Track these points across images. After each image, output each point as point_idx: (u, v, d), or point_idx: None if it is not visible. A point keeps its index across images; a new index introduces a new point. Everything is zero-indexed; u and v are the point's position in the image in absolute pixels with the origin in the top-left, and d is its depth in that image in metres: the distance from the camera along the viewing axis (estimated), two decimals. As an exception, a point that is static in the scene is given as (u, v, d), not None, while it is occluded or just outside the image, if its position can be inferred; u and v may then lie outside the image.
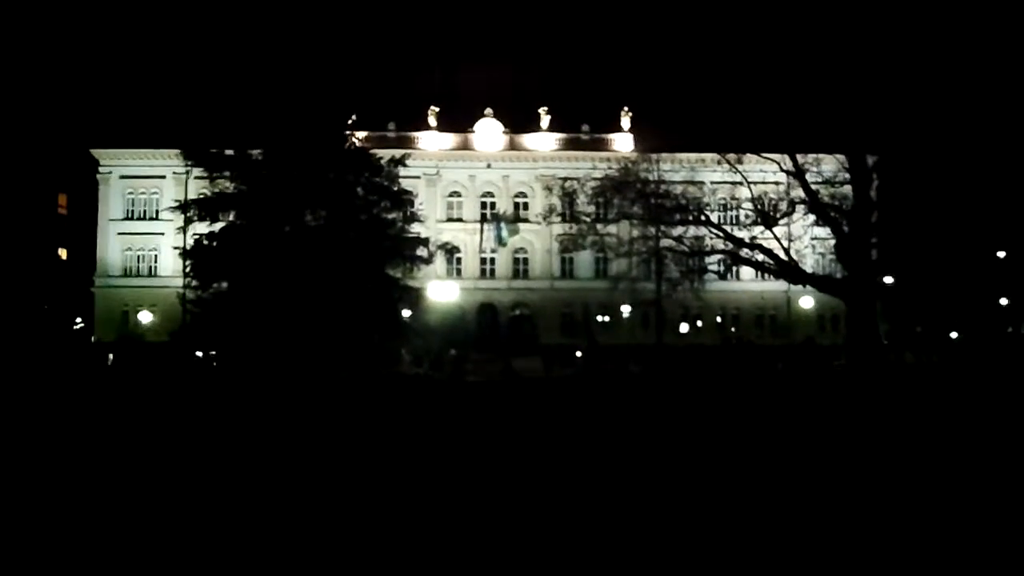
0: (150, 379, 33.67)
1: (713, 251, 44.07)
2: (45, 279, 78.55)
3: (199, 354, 43.69)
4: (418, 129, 77.01)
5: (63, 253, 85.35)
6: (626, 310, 69.02)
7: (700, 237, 44.06)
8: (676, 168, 51.88)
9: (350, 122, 43.59)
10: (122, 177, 77.83)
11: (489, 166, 77.47)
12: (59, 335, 69.69)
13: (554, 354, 47.43)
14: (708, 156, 50.72)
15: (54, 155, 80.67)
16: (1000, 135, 41.38)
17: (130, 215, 78.08)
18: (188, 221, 40.52)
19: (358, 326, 35.02)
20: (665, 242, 44.29)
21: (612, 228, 47.44)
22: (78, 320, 78.73)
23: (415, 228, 43.29)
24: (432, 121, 77.27)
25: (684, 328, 68.78)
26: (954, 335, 63.12)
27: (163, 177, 74.91)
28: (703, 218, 43.73)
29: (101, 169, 78.10)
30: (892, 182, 43.85)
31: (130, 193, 77.96)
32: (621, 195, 44.71)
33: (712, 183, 50.66)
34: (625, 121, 77.53)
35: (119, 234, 77.85)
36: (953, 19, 38.21)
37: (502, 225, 74.01)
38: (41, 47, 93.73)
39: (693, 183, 47.80)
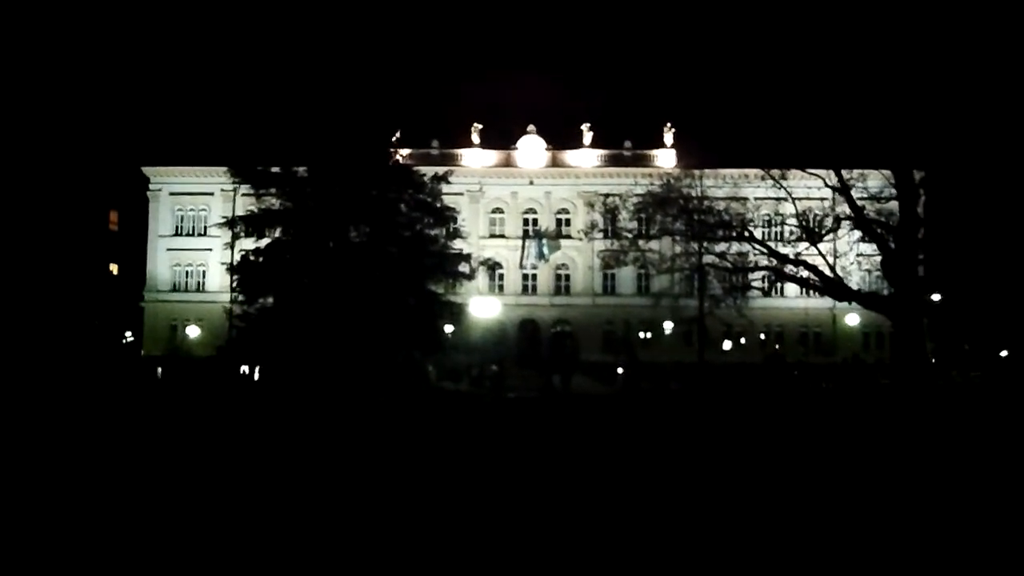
0: (196, 393, 34.11)
1: (757, 267, 43.73)
2: (96, 294, 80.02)
3: (244, 369, 44.22)
4: (461, 146, 77.45)
5: (114, 268, 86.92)
6: (668, 327, 68.69)
7: (743, 253, 43.72)
8: (719, 184, 51.50)
9: (394, 139, 44.08)
10: (171, 194, 79.09)
11: (531, 182, 77.64)
12: (109, 349, 70.88)
13: (569, 369, 47.07)
14: (752, 172, 50.51)
15: (106, 172, 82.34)
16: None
17: (179, 231, 79.28)
18: (235, 237, 41.10)
19: (400, 342, 35.29)
20: (708, 258, 44.00)
21: (654, 244, 47.31)
22: (128, 334, 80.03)
23: (457, 244, 43.58)
24: (475, 138, 77.68)
25: (727, 345, 68.26)
26: (1004, 353, 61.99)
27: (211, 194, 76.01)
28: (746, 234, 43.41)
29: (151, 186, 79.47)
30: (939, 198, 43.28)
31: (179, 210, 79.19)
32: (663, 211, 44.55)
33: (756, 199, 50.37)
34: (668, 137, 77.36)
35: (168, 250, 79.06)
36: (1000, 32, 37.74)
37: (544, 241, 74.08)
38: (95, 67, 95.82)
39: (736, 199, 47.48)
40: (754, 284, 44.88)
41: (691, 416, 26.60)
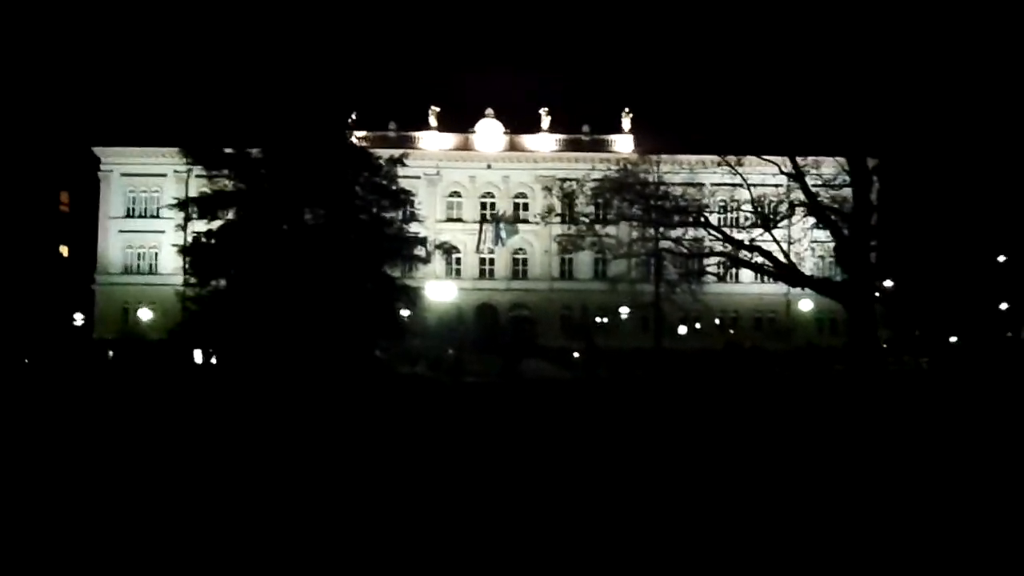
0: (147, 377, 33.64)
1: (712, 253, 43.96)
2: (46, 276, 78.52)
3: (198, 352, 43.64)
4: (419, 129, 77.00)
5: (64, 250, 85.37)
6: (625, 312, 68.96)
7: (699, 239, 43.93)
8: (676, 170, 51.64)
9: (350, 121, 43.59)
10: (123, 175, 77.89)
11: (489, 166, 77.44)
12: (59, 332, 69.65)
13: (520, 354, 47.06)
14: (708, 158, 50.67)
15: (57, 153, 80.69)
16: (1000, 139, 41.34)
17: (131, 213, 78.10)
18: (188, 219, 40.48)
19: (356, 325, 34.96)
20: (664, 244, 44.21)
21: (611, 229, 47.38)
22: (79, 317, 78.69)
23: (414, 228, 43.23)
24: (433, 121, 77.26)
25: (683, 330, 68.70)
26: (953, 339, 63.04)
27: (164, 175, 74.89)
28: (702, 220, 43.63)
29: (102, 167, 78.12)
30: (892, 185, 43.79)
31: (131, 191, 77.99)
32: (620, 196, 44.64)
33: (712, 185, 50.52)
34: (625, 122, 77.50)
35: (120, 232, 77.90)
36: (954, 21, 38.14)
37: (501, 226, 74.00)
38: (45, 46, 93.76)
39: (693, 185, 47.70)
40: (710, 270, 45.13)
41: (651, 402, 26.69)
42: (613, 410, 23.47)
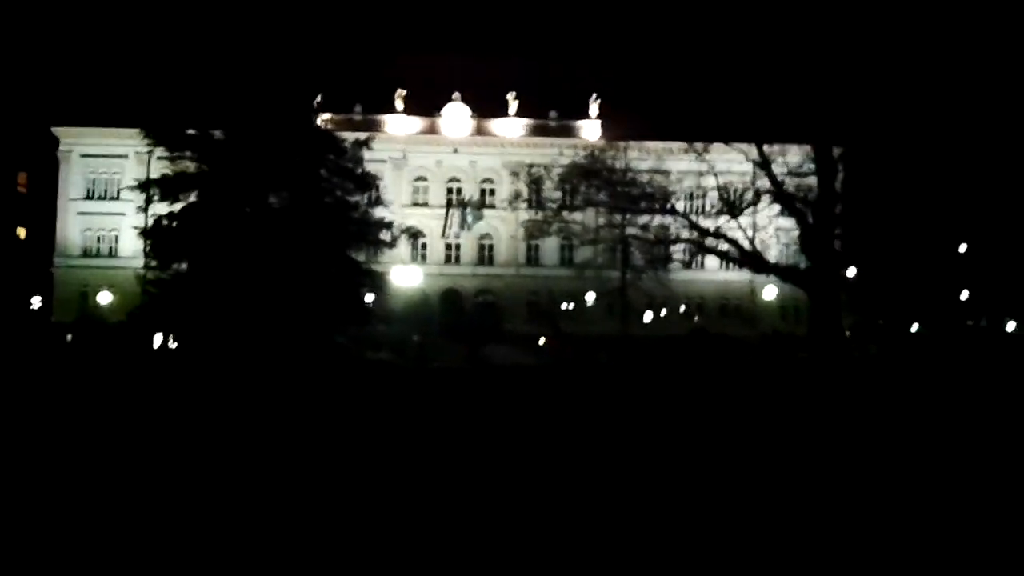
0: (104, 360, 33.15)
1: (678, 240, 44.06)
2: (2, 259, 77.14)
3: (158, 336, 43.05)
4: (385, 113, 76.37)
5: (22, 232, 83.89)
6: (591, 298, 68.96)
7: (666, 226, 43.99)
8: (643, 156, 51.67)
9: (316, 104, 43.05)
10: (83, 156, 76.64)
11: (456, 151, 77.05)
12: (15, 315, 68.48)
13: (483, 339, 46.89)
14: (675, 145, 50.56)
15: (14, 133, 79.15)
16: (965, 129, 41.71)
17: (91, 195, 76.92)
18: (149, 201, 39.87)
19: (319, 310, 34.62)
20: (631, 230, 44.21)
21: (578, 215, 47.30)
22: (36, 300, 77.42)
23: (380, 212, 42.91)
24: (399, 105, 76.68)
25: (649, 317, 68.86)
26: (915, 328, 63.69)
27: (125, 157, 73.71)
28: (669, 207, 43.68)
29: (61, 148, 76.83)
30: (857, 174, 44.06)
31: (91, 172, 76.79)
32: (587, 182, 44.58)
33: (679, 172, 50.46)
34: (593, 108, 77.35)
35: (79, 214, 76.71)
36: (917, 10, 38.36)
37: (468, 211, 73.72)
38: (2, 23, 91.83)
39: (660, 172, 47.64)
40: (676, 256, 45.26)
41: (616, 388, 26.64)
42: (577, 396, 23.37)
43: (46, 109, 75.62)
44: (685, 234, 43.76)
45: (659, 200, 43.77)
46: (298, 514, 9.18)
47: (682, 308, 73.31)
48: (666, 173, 49.11)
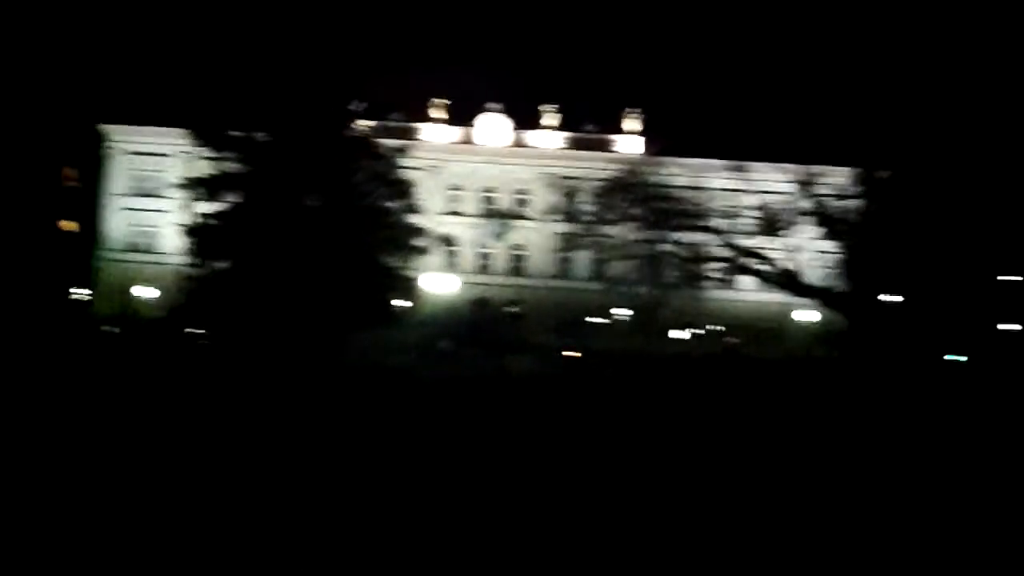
0: (143, 354, 33.54)
1: (713, 258, 43.76)
2: (51, 251, 78.41)
3: (194, 331, 43.57)
4: (422, 121, 76.74)
5: (73, 226, 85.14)
6: (621, 314, 68.50)
7: (701, 243, 43.75)
8: (681, 172, 51.39)
9: (355, 110, 43.52)
10: (128, 153, 77.82)
11: (491, 161, 77.11)
12: (58, 306, 69.56)
13: (505, 349, 46.49)
14: (714, 161, 50.46)
15: (59, 128, 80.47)
16: (1012, 156, 41.13)
17: (135, 191, 78.04)
18: (192, 200, 40.64)
19: (348, 313, 34.88)
20: (664, 246, 43.98)
21: (612, 229, 47.11)
22: (82, 292, 78.57)
23: (414, 219, 43.16)
24: (436, 114, 77.03)
25: (679, 335, 68.21)
26: (949, 357, 62.50)
27: (168, 155, 74.70)
28: (705, 224, 43.43)
29: (108, 144, 78.12)
30: (901, 199, 43.56)
31: (136, 169, 77.94)
32: (623, 196, 44.46)
33: (717, 189, 50.29)
34: (631, 123, 77.04)
35: (123, 209, 77.84)
36: (968, 41, 37.98)
37: (501, 221, 73.76)
38: (55, 25, 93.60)
39: (697, 188, 47.45)
40: (710, 275, 44.92)
41: (635, 404, 26.41)
42: (596, 410, 23.23)
43: (91, 105, 76.82)
44: (721, 252, 43.47)
45: (695, 217, 43.55)
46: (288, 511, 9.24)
47: (713, 328, 72.57)
48: (703, 190, 48.86)
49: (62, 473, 10.68)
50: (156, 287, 70.57)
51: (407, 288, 39.44)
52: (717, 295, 60.78)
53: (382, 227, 38.32)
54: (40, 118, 77.37)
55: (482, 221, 74.30)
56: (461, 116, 76.77)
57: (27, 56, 76.25)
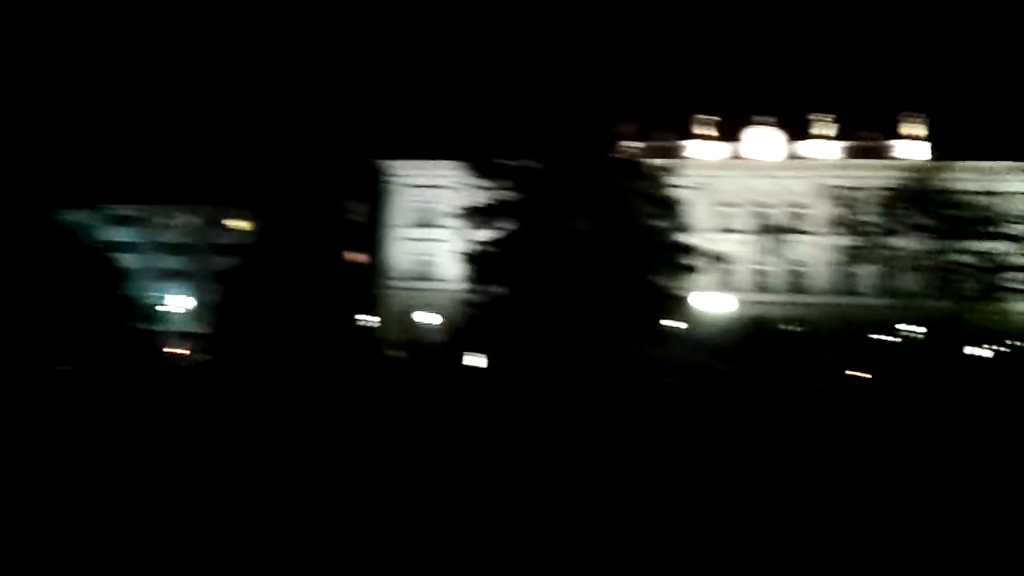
0: (428, 377, 35.10)
1: (1013, 267, 40.32)
2: (337, 281, 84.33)
3: (472, 356, 45.18)
4: (689, 138, 75.87)
5: (362, 258, 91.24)
6: (911, 330, 64.22)
7: (998, 252, 40.41)
8: (972, 177, 47.65)
9: (620, 131, 43.77)
10: (407, 186, 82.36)
11: (763, 175, 74.89)
12: (348, 333, 74.53)
13: (783, 370, 44.20)
14: (1008, 164, 46.43)
15: (347, 166, 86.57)
16: None
17: (414, 222, 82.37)
18: (468, 228, 42.33)
19: (619, 334, 34.95)
20: (959, 257, 40.96)
21: (899, 241, 44.42)
22: (368, 319, 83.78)
23: (684, 237, 42.66)
24: (703, 130, 75.90)
25: (978, 352, 63.01)
26: None
27: (445, 187, 78.35)
28: (1002, 231, 40.11)
29: (388, 178, 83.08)
30: None
31: (414, 201, 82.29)
32: (909, 206, 41.88)
33: (1013, 193, 46.24)
34: (912, 127, 72.36)
35: (403, 240, 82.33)
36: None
37: (776, 236, 71.29)
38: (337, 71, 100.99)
39: (991, 193, 43.88)
40: (1010, 285, 41.36)
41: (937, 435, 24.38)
42: (884, 438, 21.57)
43: (369, 142, 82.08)
44: (1020, 261, 39.99)
45: (990, 224, 40.31)
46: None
47: (1018, 344, 66.51)
48: (997, 194, 45.07)
49: (357, 492, 11.30)
50: (437, 313, 74.14)
51: (679, 307, 39.00)
52: (1020, 307, 55.80)
53: (652, 247, 38.19)
54: (323, 157, 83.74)
55: (756, 237, 72.17)
56: (728, 130, 75.27)
57: (313, 101, 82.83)
